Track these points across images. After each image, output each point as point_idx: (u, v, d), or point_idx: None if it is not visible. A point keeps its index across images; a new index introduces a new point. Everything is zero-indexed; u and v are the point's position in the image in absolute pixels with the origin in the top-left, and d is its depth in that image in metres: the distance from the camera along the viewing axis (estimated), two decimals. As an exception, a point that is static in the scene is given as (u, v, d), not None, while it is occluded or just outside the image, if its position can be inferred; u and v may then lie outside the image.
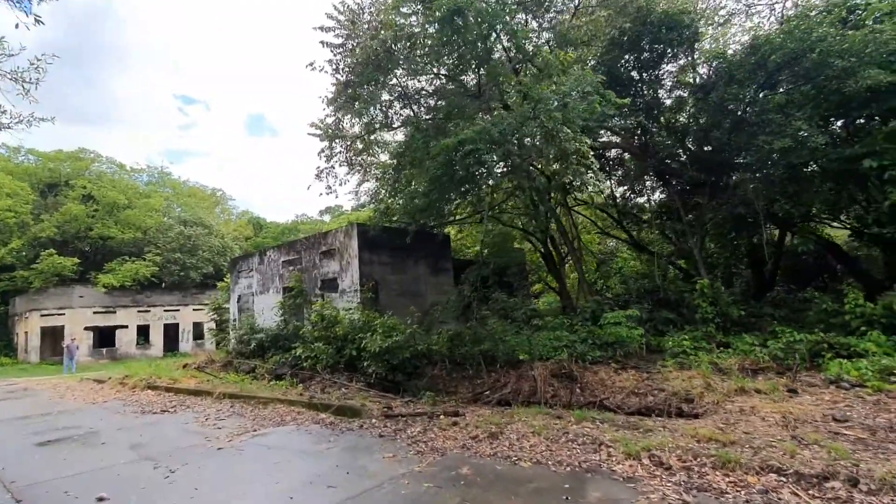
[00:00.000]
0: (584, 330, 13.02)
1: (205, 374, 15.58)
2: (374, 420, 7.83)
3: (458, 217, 22.79)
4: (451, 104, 10.37)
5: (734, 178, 14.44)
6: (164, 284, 34.69)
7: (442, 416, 7.55)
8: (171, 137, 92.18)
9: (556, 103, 8.02)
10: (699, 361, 10.40)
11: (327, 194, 17.12)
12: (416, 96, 11.66)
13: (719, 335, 12.64)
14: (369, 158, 18.59)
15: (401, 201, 17.03)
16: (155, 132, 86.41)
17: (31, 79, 7.68)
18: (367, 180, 21.22)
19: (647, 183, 18.50)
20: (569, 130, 8.97)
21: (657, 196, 21.44)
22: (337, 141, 16.18)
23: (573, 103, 7.92)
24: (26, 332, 30.25)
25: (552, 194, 16.36)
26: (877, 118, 12.89)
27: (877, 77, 11.47)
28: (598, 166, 9.47)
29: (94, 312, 31.21)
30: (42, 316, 29.92)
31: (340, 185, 17.52)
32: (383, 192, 18.96)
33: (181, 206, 43.31)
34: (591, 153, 9.02)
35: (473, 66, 10.60)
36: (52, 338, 30.04)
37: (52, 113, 73.76)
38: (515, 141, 8.64)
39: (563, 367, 9.16)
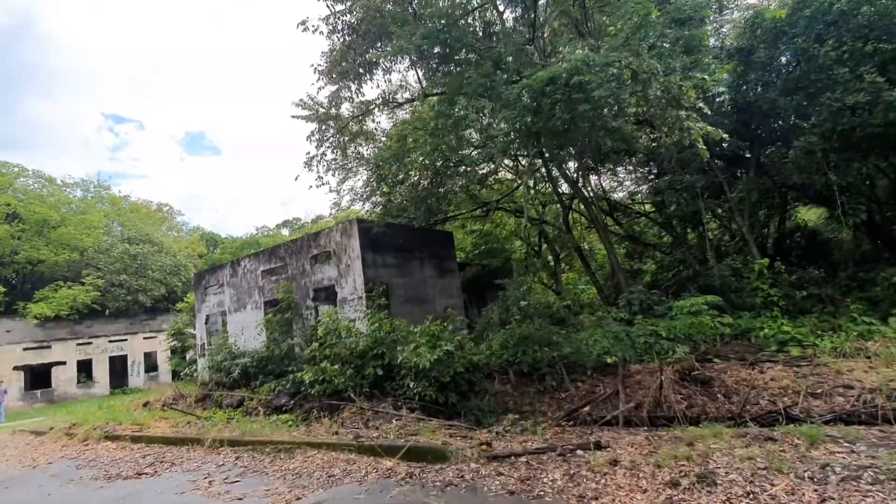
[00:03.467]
0: (646, 324, 11.13)
1: (178, 413, 12.43)
2: (472, 465, 5.42)
3: (453, 213, 20.73)
4: (506, 48, 8.24)
5: (791, 146, 13.09)
6: (107, 312, 30.12)
7: (580, 452, 5.26)
8: (101, 160, 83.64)
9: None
10: (822, 348, 8.70)
11: (318, 186, 14.52)
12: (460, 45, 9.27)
13: (783, 319, 11.11)
14: (361, 147, 16.12)
15: (403, 191, 14.72)
16: (83, 155, 77.98)
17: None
18: (350, 177, 18.79)
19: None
20: (658, 67, 7.07)
21: (643, 189, 20.43)
22: (329, 123, 13.64)
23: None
24: (-64, 379, 24.99)
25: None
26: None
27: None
28: (707, 111, 7.61)
29: (25, 349, 26.33)
30: (-44, 358, 24.86)
31: (333, 174, 14.91)
32: (374, 181, 16.56)
33: (122, 224, 38.47)
34: (695, 96, 7.19)
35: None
36: (-30, 383, 24.98)
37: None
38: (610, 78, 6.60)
39: (693, 368, 7.11)
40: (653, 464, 4.63)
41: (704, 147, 7.27)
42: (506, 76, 7.82)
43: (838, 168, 12.80)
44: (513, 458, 5.39)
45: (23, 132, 73.63)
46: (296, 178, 24.71)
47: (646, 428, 6.18)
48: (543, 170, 17.83)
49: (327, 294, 15.16)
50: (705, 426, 5.73)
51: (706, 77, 7.18)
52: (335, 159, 16.10)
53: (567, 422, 7.31)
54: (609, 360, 8.37)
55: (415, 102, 13.88)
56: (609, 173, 19.81)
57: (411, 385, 8.50)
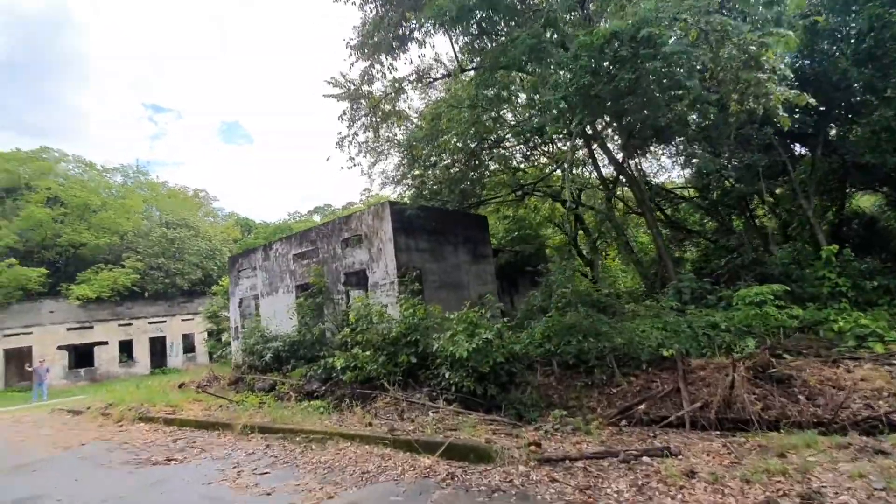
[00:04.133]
0: (702, 314, 10.23)
1: (211, 395, 12.38)
2: (521, 468, 4.86)
3: (487, 197, 20.02)
4: (557, 5, 7.43)
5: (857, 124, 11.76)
6: (147, 294, 30.92)
7: (647, 458, 4.62)
8: (140, 148, 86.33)
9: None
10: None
11: (349, 167, 14.13)
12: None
13: (855, 311, 10.00)
14: (394, 128, 15.56)
15: (436, 173, 14.12)
16: (122, 143, 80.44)
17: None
18: (382, 160, 18.41)
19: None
20: (730, 24, 6.19)
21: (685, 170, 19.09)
22: (362, 102, 13.14)
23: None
24: (-12, 356, 26.29)
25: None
26: None
27: None
28: (790, 81, 6.68)
29: (69, 329, 27.35)
30: (5, 336, 26.00)
31: (364, 156, 14.48)
32: (406, 163, 16.10)
33: (160, 209, 39.37)
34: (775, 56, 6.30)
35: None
36: (19, 360, 26.15)
37: (4, 128, 67.39)
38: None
39: (769, 364, 6.32)
40: (739, 478, 3.96)
41: (785, 115, 6.36)
42: (556, 37, 7.04)
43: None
44: (567, 462, 4.81)
45: (62, 120, 76.47)
46: (327, 159, 23.92)
47: (718, 432, 5.47)
48: (583, 152, 16.93)
49: (358, 278, 14.83)
50: (788, 432, 5.00)
51: (790, 33, 6.24)
52: (366, 141, 15.67)
53: (619, 420, 6.66)
54: (665, 353, 7.63)
55: (449, 79, 13.21)
56: (652, 156, 18.69)
57: (447, 375, 8.00)
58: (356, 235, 14.61)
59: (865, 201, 18.44)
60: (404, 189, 17.02)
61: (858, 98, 11.58)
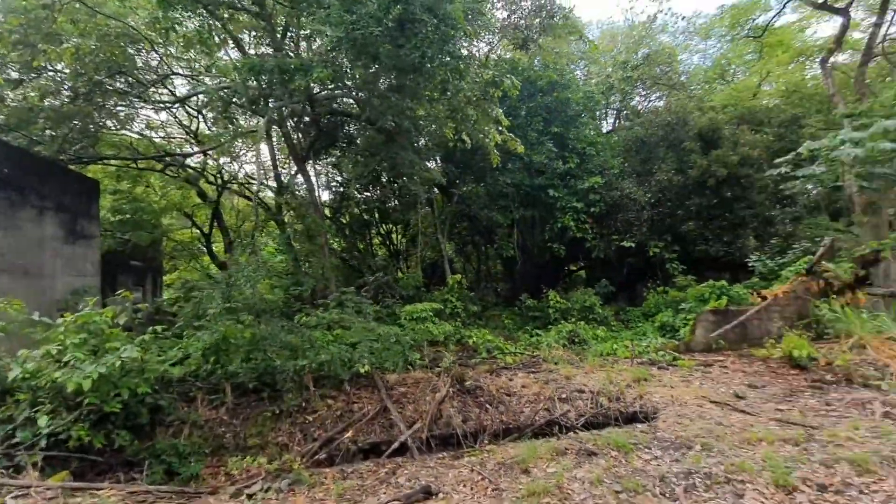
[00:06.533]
0: (373, 327, 10.30)
1: None
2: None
3: (105, 156, 14.48)
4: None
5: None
6: None
7: (412, 507, 3.67)
8: None
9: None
10: (512, 353, 9.97)
11: None
12: None
13: (463, 329, 12.72)
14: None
15: (31, 93, 9.12)
16: None
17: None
18: None
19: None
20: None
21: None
22: None
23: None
24: None
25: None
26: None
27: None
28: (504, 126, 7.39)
29: None
30: None
31: None
32: None
33: None
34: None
35: None
36: None
37: None
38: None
39: (464, 377, 6.51)
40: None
41: (497, 153, 7.20)
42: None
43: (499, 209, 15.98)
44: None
45: None
46: None
47: (448, 453, 5.12)
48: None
49: None
50: (492, 441, 5.25)
51: (517, 81, 7.20)
52: None
53: (319, 454, 5.44)
54: (362, 370, 6.95)
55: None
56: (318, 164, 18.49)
57: (41, 423, 4.58)
58: None
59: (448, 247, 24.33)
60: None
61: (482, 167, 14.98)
